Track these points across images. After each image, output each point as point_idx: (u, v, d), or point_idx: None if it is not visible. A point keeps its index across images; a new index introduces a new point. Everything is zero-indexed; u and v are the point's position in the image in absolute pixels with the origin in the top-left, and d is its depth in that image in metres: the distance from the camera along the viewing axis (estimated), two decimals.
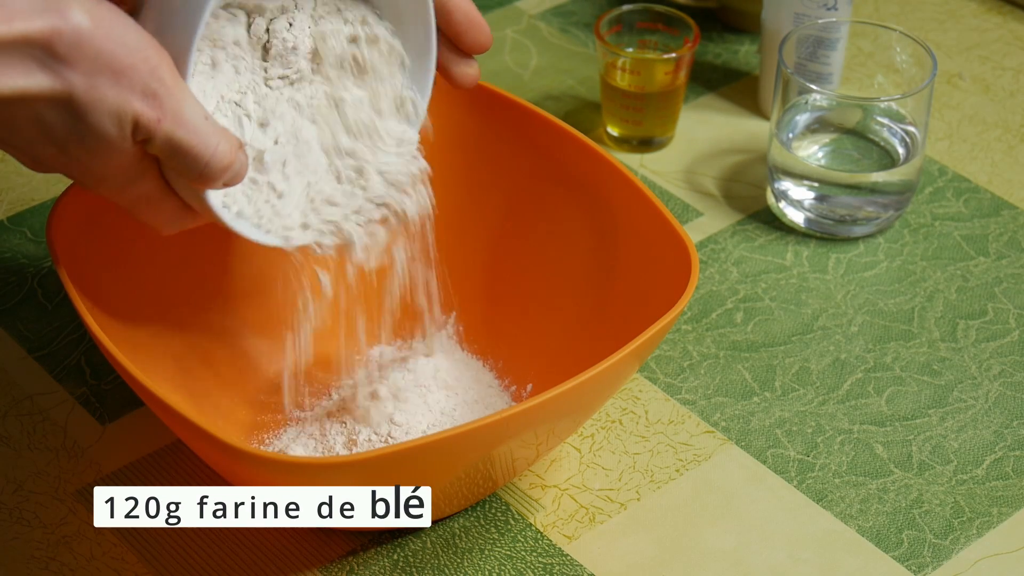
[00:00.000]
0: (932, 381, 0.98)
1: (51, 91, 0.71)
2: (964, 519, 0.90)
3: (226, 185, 0.77)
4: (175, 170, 0.76)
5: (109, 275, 0.88)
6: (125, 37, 0.72)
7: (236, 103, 0.81)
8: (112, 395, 0.96)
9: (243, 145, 0.77)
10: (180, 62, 0.75)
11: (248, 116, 0.81)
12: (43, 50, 0.70)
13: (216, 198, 0.79)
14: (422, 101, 0.86)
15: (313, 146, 0.83)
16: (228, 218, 0.80)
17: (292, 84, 0.83)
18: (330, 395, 0.93)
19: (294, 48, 0.82)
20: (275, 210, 0.82)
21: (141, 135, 0.73)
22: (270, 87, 0.82)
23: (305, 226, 0.83)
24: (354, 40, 0.84)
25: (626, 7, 1.14)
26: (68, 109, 0.72)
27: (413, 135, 0.86)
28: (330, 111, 0.84)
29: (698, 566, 0.88)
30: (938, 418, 0.96)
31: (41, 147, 0.74)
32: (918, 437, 0.95)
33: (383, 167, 0.85)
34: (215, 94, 0.80)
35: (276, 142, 0.82)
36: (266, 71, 0.82)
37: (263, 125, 0.81)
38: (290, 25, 0.82)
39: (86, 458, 0.92)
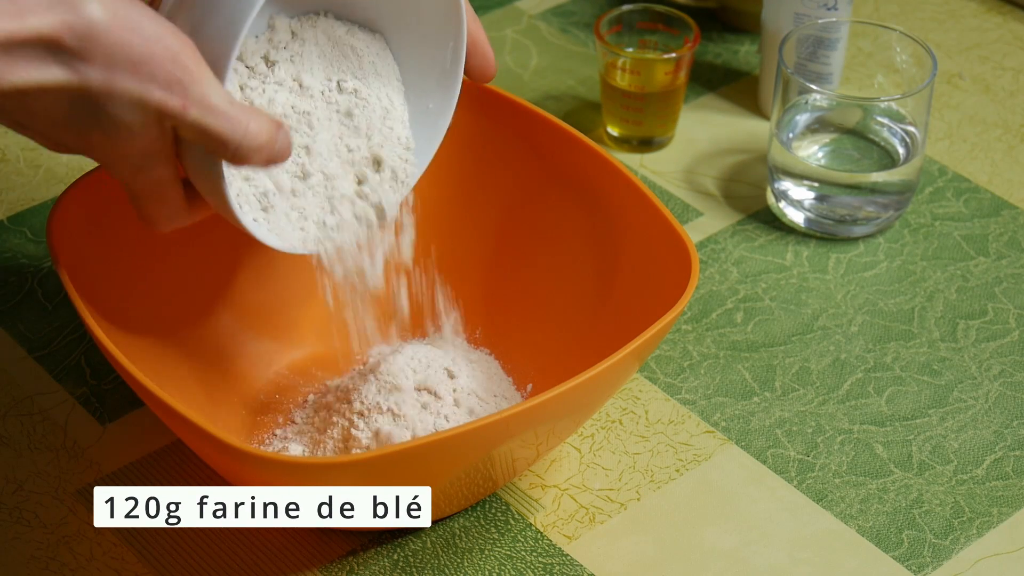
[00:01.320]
0: (932, 381, 0.98)
1: (67, 84, 0.71)
2: (964, 519, 0.90)
3: (269, 164, 0.77)
4: (211, 153, 0.76)
5: (109, 275, 0.88)
6: (142, 27, 0.72)
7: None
8: (112, 395, 0.96)
9: (283, 124, 0.77)
10: (218, 68, 0.75)
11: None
12: (56, 45, 0.70)
13: (234, 198, 0.80)
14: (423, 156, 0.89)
15: (324, 151, 0.84)
16: (245, 220, 0.81)
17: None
18: (330, 394, 0.93)
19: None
20: (286, 214, 0.83)
21: (169, 123, 0.74)
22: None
23: (313, 229, 0.84)
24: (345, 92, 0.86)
25: (626, 7, 1.14)
26: (85, 101, 0.72)
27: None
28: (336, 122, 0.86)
29: (698, 566, 0.88)
30: (938, 418, 0.96)
31: (62, 133, 0.74)
32: (918, 437, 0.95)
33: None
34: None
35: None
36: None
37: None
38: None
39: (86, 458, 0.92)
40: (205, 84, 0.73)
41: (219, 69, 0.75)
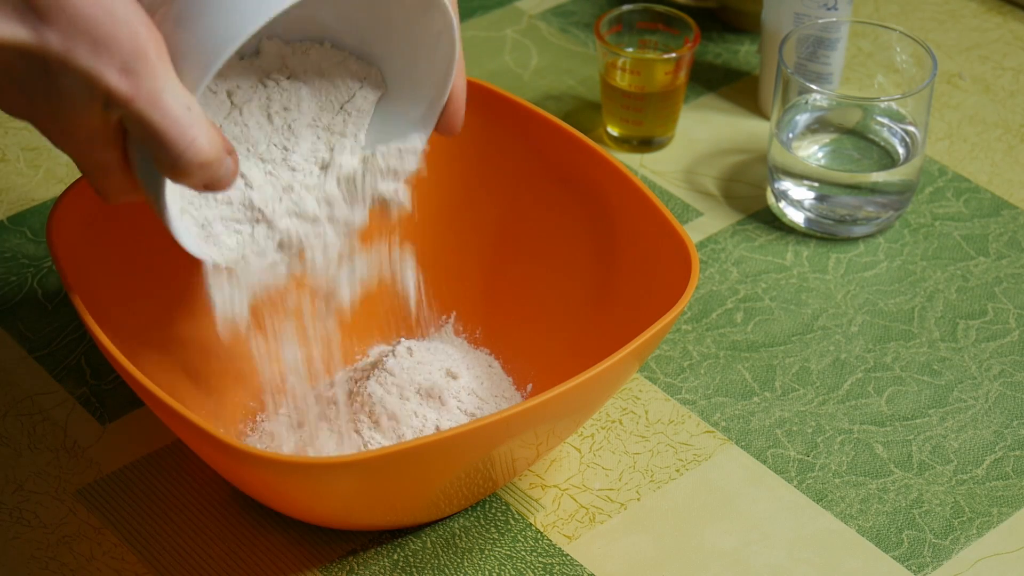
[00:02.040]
0: (932, 381, 0.98)
1: (24, 43, 0.70)
2: (964, 519, 0.90)
3: (206, 188, 0.74)
4: (151, 155, 0.73)
5: (109, 275, 0.88)
6: (114, 7, 0.70)
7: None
8: (112, 395, 0.96)
9: (234, 151, 0.74)
10: (193, 76, 0.72)
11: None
12: (23, 2, 0.69)
13: (174, 203, 0.76)
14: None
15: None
16: (173, 219, 0.77)
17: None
18: (330, 394, 0.93)
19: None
20: (222, 226, 0.81)
21: (115, 111, 0.72)
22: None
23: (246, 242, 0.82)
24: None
25: (626, 7, 1.14)
26: (41, 66, 0.71)
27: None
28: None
29: (698, 566, 0.88)
30: (938, 418, 0.96)
31: (14, 95, 0.73)
32: (918, 437, 0.95)
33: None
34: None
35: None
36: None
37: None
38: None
39: (86, 458, 0.92)
40: (161, 80, 0.71)
41: (193, 78, 0.72)
